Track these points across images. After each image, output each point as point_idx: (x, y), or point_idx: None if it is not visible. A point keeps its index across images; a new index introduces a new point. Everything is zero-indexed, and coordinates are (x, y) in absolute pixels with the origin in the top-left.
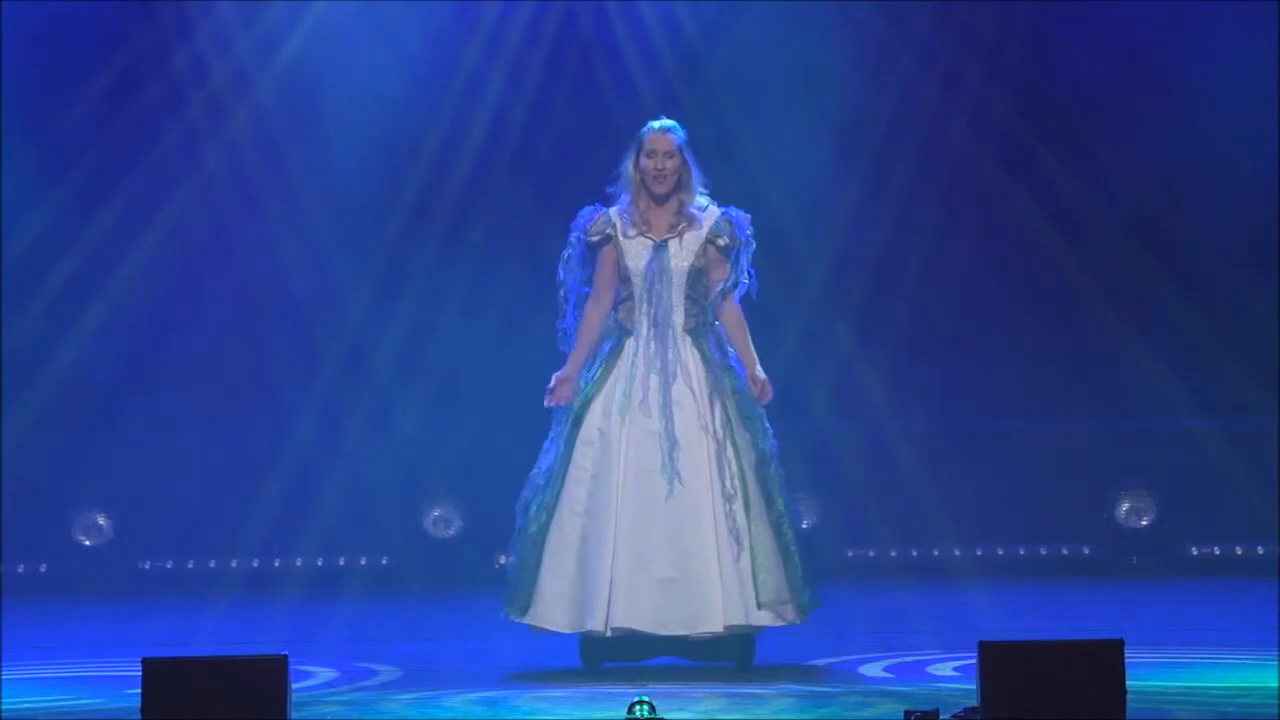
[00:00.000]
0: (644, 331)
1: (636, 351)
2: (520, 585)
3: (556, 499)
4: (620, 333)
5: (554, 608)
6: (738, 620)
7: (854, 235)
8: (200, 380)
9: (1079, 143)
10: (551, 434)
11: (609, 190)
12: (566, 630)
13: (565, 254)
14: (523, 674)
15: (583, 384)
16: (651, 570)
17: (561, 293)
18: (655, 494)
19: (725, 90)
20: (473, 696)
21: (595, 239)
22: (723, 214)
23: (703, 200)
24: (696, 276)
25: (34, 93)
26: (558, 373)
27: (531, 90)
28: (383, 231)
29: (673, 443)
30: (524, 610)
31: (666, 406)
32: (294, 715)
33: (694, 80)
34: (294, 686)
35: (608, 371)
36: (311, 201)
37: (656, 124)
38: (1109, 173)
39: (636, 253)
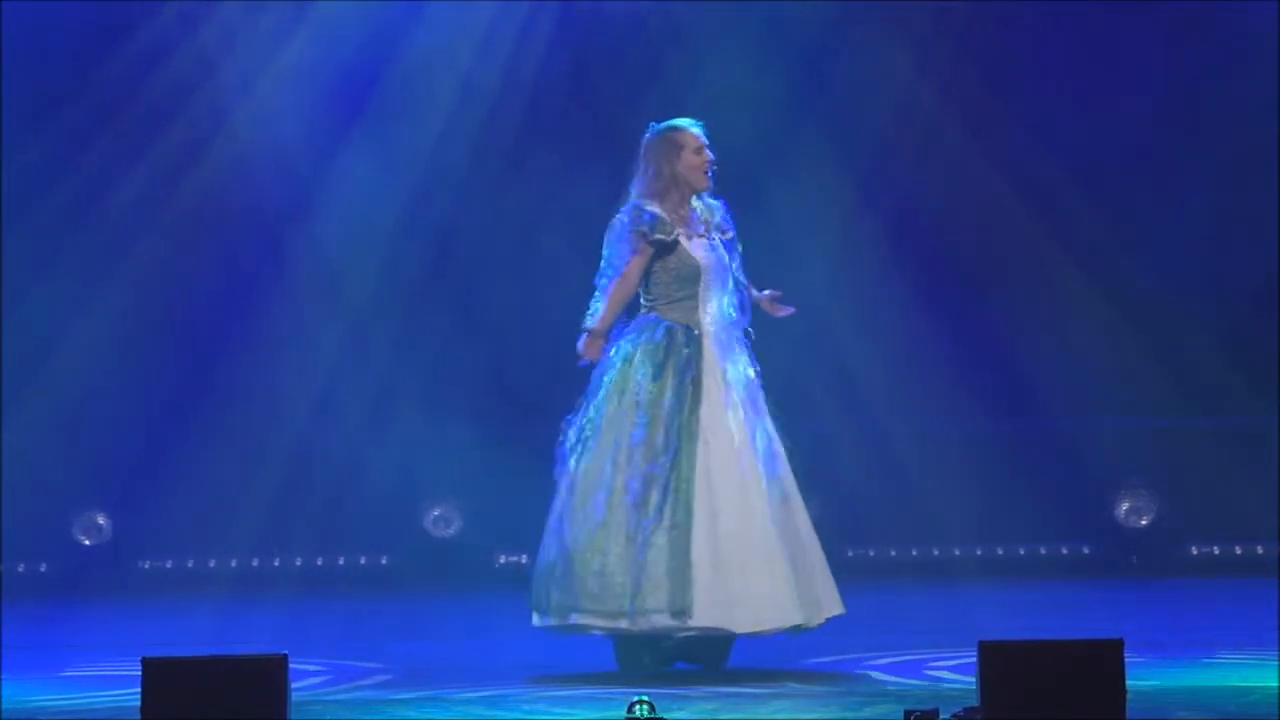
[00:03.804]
0: (711, 330)
1: (714, 350)
2: (677, 586)
3: (690, 498)
4: (687, 333)
5: (771, 604)
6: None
7: (853, 234)
8: (200, 380)
9: (1077, 142)
10: (665, 436)
11: (636, 201)
12: (777, 629)
13: (622, 247)
14: (522, 673)
15: (650, 384)
16: (793, 564)
17: (612, 270)
18: (771, 490)
19: (723, 90)
20: (472, 696)
21: (666, 239)
22: (721, 205)
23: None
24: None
25: (34, 96)
26: (592, 326)
27: (528, 90)
28: (382, 230)
29: (769, 438)
30: (687, 612)
31: (756, 403)
32: (294, 715)
33: (693, 80)
34: (293, 686)
35: (695, 370)
36: (316, 199)
37: (689, 121)
38: (1107, 174)
39: (700, 252)
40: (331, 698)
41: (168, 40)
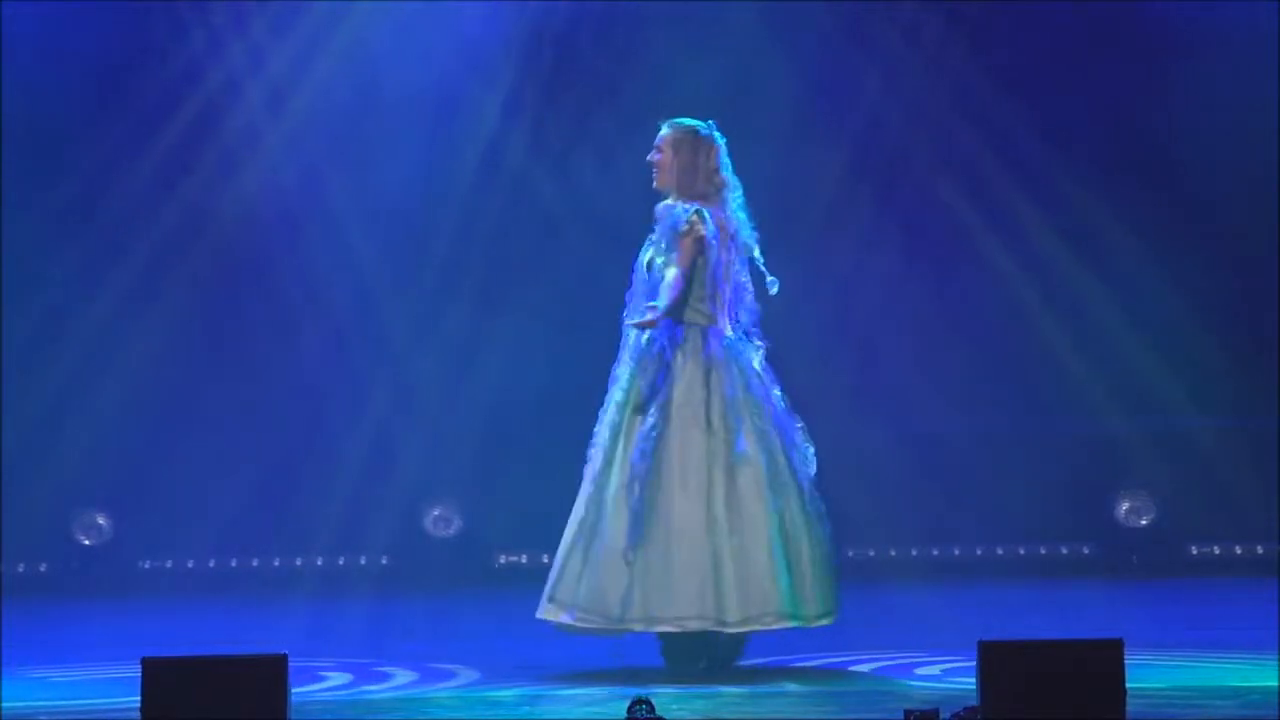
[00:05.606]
0: None
1: None
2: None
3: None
4: None
5: None
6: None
7: (844, 232)
8: (200, 380)
9: (1073, 142)
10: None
11: None
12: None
13: None
14: (523, 673)
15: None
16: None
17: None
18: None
19: (718, 91)
20: (473, 696)
21: None
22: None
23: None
24: None
25: (51, 114)
26: None
27: (572, 100)
28: (388, 234)
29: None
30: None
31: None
32: (294, 715)
33: (692, 80)
34: (293, 686)
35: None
36: (329, 209)
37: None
38: (1107, 176)
39: None
40: (331, 698)
41: (197, 63)
